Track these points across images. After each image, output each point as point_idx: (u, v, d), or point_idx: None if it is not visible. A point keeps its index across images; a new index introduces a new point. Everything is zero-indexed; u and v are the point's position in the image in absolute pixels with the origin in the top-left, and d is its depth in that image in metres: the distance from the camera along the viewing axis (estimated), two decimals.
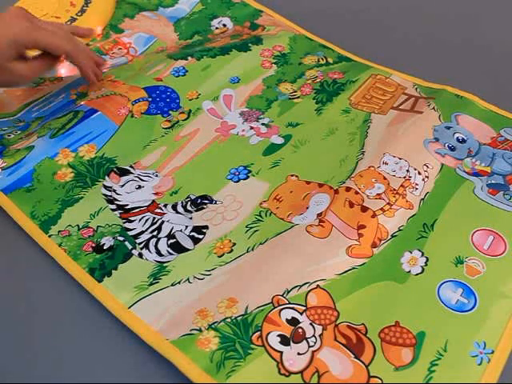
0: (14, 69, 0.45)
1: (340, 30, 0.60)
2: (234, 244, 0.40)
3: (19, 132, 0.49)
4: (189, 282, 0.37)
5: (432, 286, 0.37)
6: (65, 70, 0.56)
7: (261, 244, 0.39)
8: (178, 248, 0.40)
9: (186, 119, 0.50)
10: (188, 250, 0.40)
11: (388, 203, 0.41)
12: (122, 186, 0.44)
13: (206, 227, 0.41)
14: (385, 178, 0.43)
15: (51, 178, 0.45)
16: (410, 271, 0.38)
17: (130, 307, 0.36)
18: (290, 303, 0.36)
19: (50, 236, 0.40)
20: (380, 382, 0.32)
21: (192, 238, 0.40)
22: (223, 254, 0.39)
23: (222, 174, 0.45)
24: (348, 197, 0.42)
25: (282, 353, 0.33)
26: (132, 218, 0.42)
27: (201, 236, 0.40)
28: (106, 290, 0.37)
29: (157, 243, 0.40)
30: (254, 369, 0.33)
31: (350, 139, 0.48)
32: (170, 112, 0.50)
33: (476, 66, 0.56)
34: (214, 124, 0.50)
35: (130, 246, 0.40)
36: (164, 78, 0.53)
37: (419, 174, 0.44)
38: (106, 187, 0.44)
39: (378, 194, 0.42)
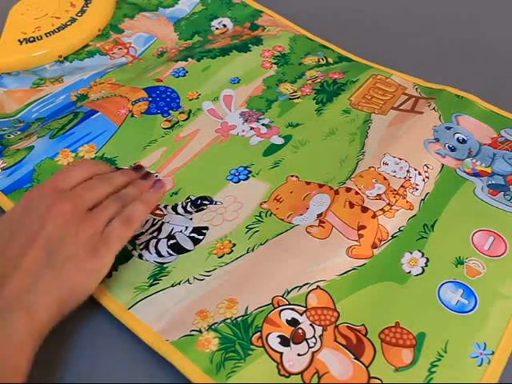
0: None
1: (340, 30, 0.60)
2: (234, 245, 0.40)
3: (19, 133, 0.49)
4: (189, 282, 0.37)
5: (432, 287, 0.37)
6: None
7: (261, 245, 0.39)
8: (177, 249, 0.40)
9: (185, 119, 0.50)
10: (188, 250, 0.39)
11: (388, 204, 0.41)
12: None
13: (206, 228, 0.41)
14: (385, 179, 0.43)
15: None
16: (410, 272, 0.38)
17: (129, 308, 0.36)
18: (290, 304, 0.36)
19: None
20: (380, 382, 0.32)
21: (192, 238, 0.40)
22: (223, 255, 0.39)
23: (222, 174, 0.45)
24: (348, 197, 0.42)
25: (282, 354, 0.33)
26: None
27: (201, 237, 0.40)
28: (105, 290, 0.37)
29: (157, 244, 0.40)
30: (253, 370, 0.33)
31: (350, 139, 0.48)
32: (170, 112, 0.50)
33: (476, 66, 0.55)
34: (214, 124, 0.50)
35: (129, 247, 0.40)
36: (164, 79, 0.53)
37: (419, 174, 0.44)
38: None
39: (379, 195, 0.42)
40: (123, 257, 0.39)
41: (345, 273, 0.38)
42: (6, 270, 0.32)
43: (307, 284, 0.37)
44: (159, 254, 0.39)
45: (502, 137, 0.47)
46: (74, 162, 0.45)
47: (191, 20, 0.63)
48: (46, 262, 0.32)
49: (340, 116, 0.50)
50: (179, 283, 0.37)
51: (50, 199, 0.35)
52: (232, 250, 0.39)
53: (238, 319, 0.35)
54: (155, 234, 0.40)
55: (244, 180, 0.45)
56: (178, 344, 0.34)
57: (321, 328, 0.35)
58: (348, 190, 0.42)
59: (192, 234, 0.40)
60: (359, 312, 0.36)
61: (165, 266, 0.38)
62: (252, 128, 0.49)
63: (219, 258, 0.39)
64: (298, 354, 0.33)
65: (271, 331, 0.34)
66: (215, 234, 0.41)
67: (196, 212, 0.42)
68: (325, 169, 0.45)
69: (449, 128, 0.48)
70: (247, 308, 0.35)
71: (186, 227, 0.41)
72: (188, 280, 0.37)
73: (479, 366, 0.33)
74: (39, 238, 0.33)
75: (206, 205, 0.43)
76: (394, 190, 0.42)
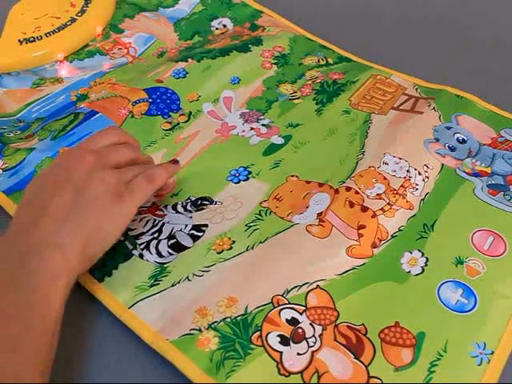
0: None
1: (340, 30, 0.60)
2: (234, 242, 0.40)
3: (19, 132, 0.50)
4: (188, 279, 0.37)
5: (432, 287, 0.37)
6: (65, 71, 0.56)
7: (260, 243, 0.39)
8: (177, 247, 0.40)
9: (186, 121, 0.50)
10: (187, 247, 0.39)
11: (388, 203, 0.41)
12: None
13: (206, 225, 0.41)
14: (385, 178, 0.43)
15: None
16: (409, 271, 0.38)
17: (130, 307, 0.36)
18: (289, 303, 0.36)
19: None
20: (380, 382, 0.32)
21: (191, 235, 0.40)
22: (222, 251, 0.39)
23: (222, 175, 0.45)
24: (348, 197, 0.42)
25: (281, 353, 0.33)
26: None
27: (200, 234, 0.40)
28: (106, 289, 0.37)
29: (157, 245, 0.40)
30: (253, 369, 0.33)
31: (350, 139, 0.48)
32: (170, 113, 0.50)
33: (476, 66, 0.55)
34: (214, 125, 0.50)
35: (130, 246, 0.40)
36: (164, 80, 0.53)
37: (419, 174, 0.44)
38: None
39: (378, 194, 0.42)
40: (124, 255, 0.39)
41: (344, 272, 0.38)
42: (34, 217, 0.33)
43: (307, 283, 0.37)
44: (160, 255, 0.39)
45: (502, 137, 0.47)
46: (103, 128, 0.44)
47: (191, 20, 0.63)
48: (72, 204, 0.34)
49: (340, 116, 0.50)
50: (179, 282, 0.37)
51: (77, 154, 0.37)
52: (231, 247, 0.39)
53: (238, 318, 0.35)
54: (156, 235, 0.40)
55: (244, 181, 0.45)
56: (177, 343, 0.34)
57: (320, 327, 0.35)
58: (348, 189, 0.42)
59: (192, 231, 0.40)
60: (359, 311, 0.36)
61: (165, 266, 0.38)
62: (252, 128, 0.49)
63: (218, 253, 0.39)
64: (298, 354, 0.33)
65: (271, 330, 0.34)
66: (215, 230, 0.41)
67: (196, 211, 0.42)
68: (325, 168, 0.45)
69: (449, 128, 0.48)
70: (247, 307, 0.35)
71: (186, 225, 0.41)
72: (187, 277, 0.37)
73: (479, 365, 0.33)
74: (65, 185, 0.35)
75: (205, 205, 0.43)
76: (394, 190, 0.42)
